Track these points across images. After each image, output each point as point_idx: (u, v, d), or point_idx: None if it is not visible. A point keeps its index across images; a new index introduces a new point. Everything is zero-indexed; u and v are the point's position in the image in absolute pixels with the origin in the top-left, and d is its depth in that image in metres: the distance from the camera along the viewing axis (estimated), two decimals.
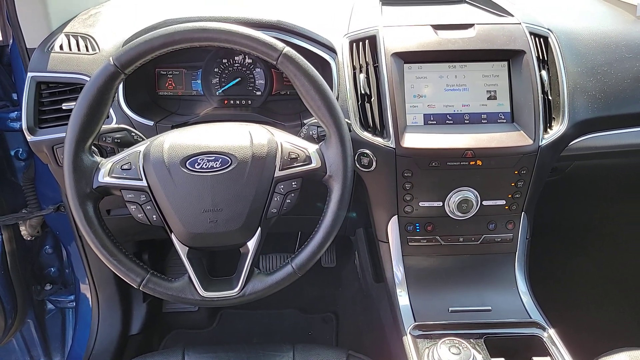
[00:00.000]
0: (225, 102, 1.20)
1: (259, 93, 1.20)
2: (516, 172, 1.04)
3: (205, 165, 0.81)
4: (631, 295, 1.78)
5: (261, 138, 0.85)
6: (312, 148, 0.87)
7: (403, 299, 1.07)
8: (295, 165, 0.84)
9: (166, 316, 1.85)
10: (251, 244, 0.85)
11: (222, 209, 0.81)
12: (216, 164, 0.82)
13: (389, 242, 1.11)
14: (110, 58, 0.79)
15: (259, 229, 0.85)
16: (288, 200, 0.85)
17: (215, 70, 1.19)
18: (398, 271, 1.11)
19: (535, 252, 1.17)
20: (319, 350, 1.09)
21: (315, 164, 0.85)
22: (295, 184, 0.84)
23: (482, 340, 0.96)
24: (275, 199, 0.84)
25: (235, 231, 0.83)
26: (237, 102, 1.20)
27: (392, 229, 1.10)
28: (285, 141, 0.87)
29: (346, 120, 0.93)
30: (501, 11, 1.19)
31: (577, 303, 1.75)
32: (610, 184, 1.35)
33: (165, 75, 1.20)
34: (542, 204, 1.19)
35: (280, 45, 0.81)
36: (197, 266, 0.85)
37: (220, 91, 1.20)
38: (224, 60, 1.19)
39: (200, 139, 0.85)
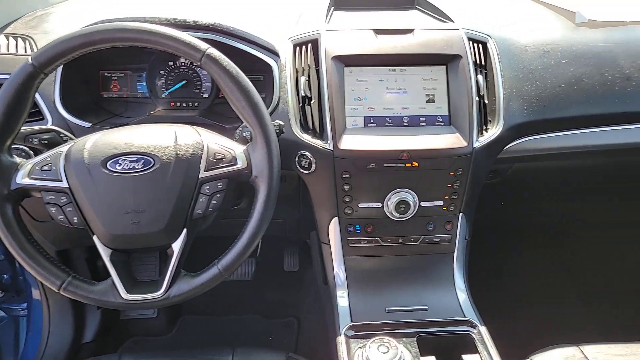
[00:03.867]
0: (172, 104, 1.21)
1: (205, 96, 1.21)
2: (452, 174, 1.06)
3: (127, 166, 0.81)
4: (569, 294, 1.82)
5: (186, 139, 0.86)
6: (238, 149, 0.88)
7: (343, 299, 1.08)
8: (221, 166, 0.85)
9: (124, 323, 1.83)
10: (176, 246, 0.85)
11: (145, 210, 0.81)
12: (138, 165, 0.82)
13: (330, 244, 1.12)
14: (29, 57, 0.79)
15: (185, 230, 0.85)
16: (214, 201, 0.85)
17: (161, 72, 1.19)
18: (339, 272, 1.12)
19: (477, 252, 1.20)
20: (258, 353, 1.09)
21: (241, 164, 0.86)
22: (220, 185, 0.85)
23: (415, 339, 0.97)
24: (201, 199, 0.84)
25: (159, 232, 0.83)
26: (184, 104, 1.21)
27: (333, 230, 1.11)
28: (212, 142, 0.87)
29: (279, 121, 0.95)
30: (445, 18, 1.22)
31: (516, 302, 1.78)
32: (549, 185, 1.38)
33: (110, 77, 1.20)
34: (484, 205, 1.22)
35: (203, 45, 0.82)
36: (122, 269, 0.85)
37: (166, 93, 1.20)
38: (170, 63, 1.19)
39: (123, 140, 0.85)
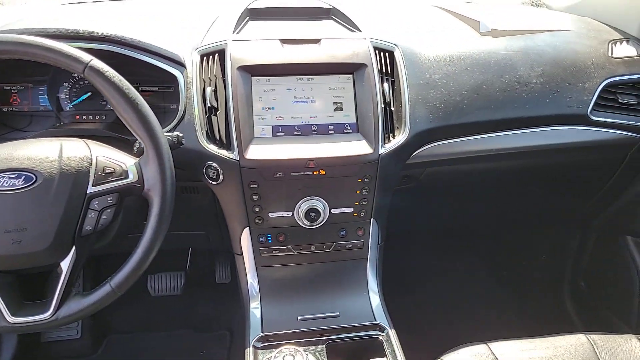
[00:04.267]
0: (77, 117, 1.17)
1: (111, 108, 1.18)
2: (360, 180, 1.08)
3: (7, 183, 0.78)
4: (479, 295, 1.90)
5: (72, 152, 0.83)
6: (129, 162, 0.86)
7: (255, 310, 1.08)
8: (111, 180, 0.83)
9: (46, 345, 1.75)
10: (65, 264, 0.82)
11: (27, 228, 0.78)
12: (19, 182, 0.78)
13: (242, 255, 1.11)
14: None
15: (74, 247, 0.82)
16: (104, 217, 0.83)
17: (65, 84, 1.15)
18: (253, 283, 1.11)
19: (391, 255, 1.22)
20: None
21: (132, 178, 0.84)
22: (111, 200, 0.83)
23: (324, 346, 0.98)
24: (90, 215, 0.82)
25: (44, 251, 0.80)
26: (90, 117, 1.17)
27: (245, 240, 1.11)
28: (102, 155, 0.85)
29: (177, 133, 0.94)
30: (355, 28, 1.24)
31: (429, 304, 1.84)
32: (460, 188, 1.43)
33: (9, 91, 1.15)
34: (398, 209, 1.24)
35: (86, 57, 0.79)
36: (6, 290, 0.81)
37: (70, 106, 1.16)
38: (74, 74, 1.16)
39: (3, 156, 0.81)
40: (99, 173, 0.82)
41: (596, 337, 1.10)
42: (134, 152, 0.91)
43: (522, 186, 1.46)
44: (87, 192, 0.81)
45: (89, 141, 0.88)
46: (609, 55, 1.31)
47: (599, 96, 1.24)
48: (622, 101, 1.25)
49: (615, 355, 1.06)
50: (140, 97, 0.83)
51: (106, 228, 0.89)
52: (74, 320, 0.83)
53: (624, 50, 1.32)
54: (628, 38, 1.37)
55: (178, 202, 1.26)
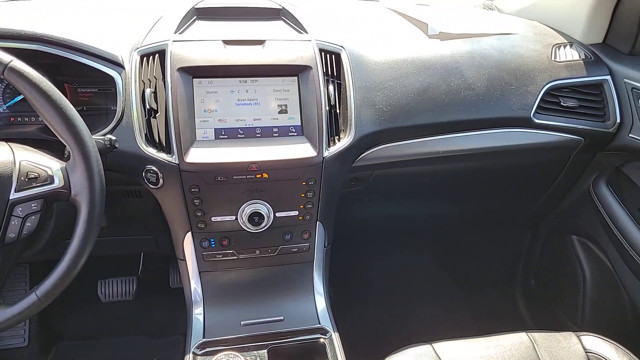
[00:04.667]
0: (12, 119, 1.12)
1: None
2: (304, 184, 1.07)
3: None
4: (427, 296, 1.93)
5: None
6: (55, 167, 0.83)
7: (198, 316, 1.06)
8: (35, 185, 0.80)
9: None
10: None
11: None
12: None
13: (185, 260, 1.09)
14: None
15: None
16: (28, 224, 0.80)
17: None
18: (196, 288, 1.09)
19: (340, 258, 1.22)
20: None
21: (57, 183, 0.81)
22: (35, 206, 0.80)
23: (266, 351, 0.97)
24: (13, 222, 0.79)
25: None
26: (25, 119, 1.13)
27: (188, 245, 1.09)
28: (26, 160, 0.82)
29: (110, 136, 0.91)
30: (302, 29, 1.23)
31: (376, 305, 1.85)
32: (409, 189, 1.44)
33: None
34: (346, 211, 1.24)
35: (5, 58, 0.76)
36: None
37: (4, 107, 1.12)
38: None
39: None
40: (22, 178, 0.79)
41: (537, 335, 1.12)
42: (64, 157, 0.88)
43: (470, 187, 1.48)
44: (10, 198, 0.78)
45: (14, 145, 0.84)
46: (553, 59, 1.34)
47: (541, 99, 1.26)
48: (564, 104, 1.28)
49: (554, 353, 1.08)
50: (65, 100, 0.80)
51: (35, 235, 0.86)
52: None
53: (567, 54, 1.36)
54: (572, 42, 1.41)
55: (122, 206, 1.24)
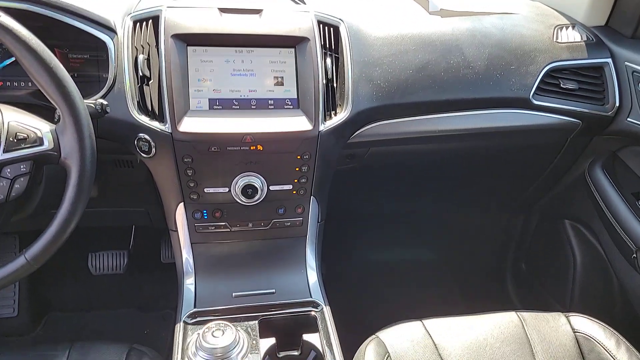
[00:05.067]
0: (1, 83, 1.10)
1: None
2: (299, 157, 1.06)
3: None
4: (417, 275, 1.93)
5: None
6: (45, 129, 0.81)
7: (190, 286, 1.05)
8: (24, 147, 0.78)
9: None
10: None
11: None
12: None
13: (177, 231, 1.08)
14: None
15: None
16: (17, 185, 0.78)
17: None
18: (188, 258, 1.08)
19: (331, 235, 1.21)
20: (99, 346, 1.03)
21: (47, 145, 0.79)
22: (24, 168, 0.78)
23: (257, 322, 0.96)
24: (1, 184, 0.77)
25: None
26: (15, 84, 1.10)
27: (180, 216, 1.07)
28: (14, 120, 0.80)
29: (102, 100, 0.90)
30: (301, 0, 1.21)
31: (367, 284, 1.86)
32: (404, 169, 1.43)
33: None
34: (341, 188, 1.23)
35: None
36: None
37: None
38: None
39: None
40: (11, 139, 0.77)
41: (526, 315, 1.12)
42: (55, 121, 0.86)
43: (465, 168, 1.47)
44: None
45: (2, 105, 0.82)
46: (554, 40, 1.32)
47: (541, 80, 1.25)
48: (564, 86, 1.26)
49: (543, 332, 1.09)
50: (56, 59, 0.77)
51: (25, 198, 0.85)
52: None
53: (569, 35, 1.34)
54: (574, 24, 1.39)
55: (113, 177, 1.22)
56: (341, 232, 1.41)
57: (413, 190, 1.59)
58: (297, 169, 1.07)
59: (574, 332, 1.09)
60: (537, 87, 1.24)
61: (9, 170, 0.77)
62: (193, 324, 0.97)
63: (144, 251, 1.86)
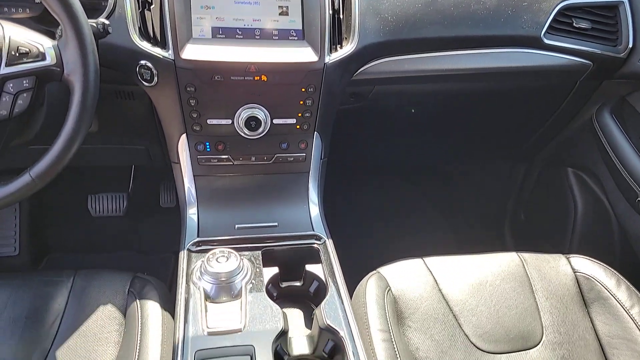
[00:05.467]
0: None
1: (37, 0, 1.07)
2: (303, 90, 1.04)
3: None
4: (421, 217, 1.94)
5: None
6: (47, 43, 0.78)
7: (192, 216, 1.05)
8: (26, 61, 0.76)
9: None
10: None
11: None
12: None
13: (180, 163, 1.07)
14: None
15: None
16: (20, 101, 0.77)
17: None
18: (190, 189, 1.08)
19: (333, 174, 1.20)
20: (103, 274, 1.04)
21: (49, 60, 0.77)
22: (27, 83, 0.76)
23: (260, 252, 0.97)
24: (4, 99, 0.75)
25: None
26: (12, 9, 1.06)
27: (183, 148, 1.06)
28: (16, 34, 0.77)
29: (103, 20, 0.87)
30: None
31: (369, 223, 1.87)
32: (408, 112, 1.41)
33: None
34: (344, 128, 1.21)
35: None
36: None
37: None
38: None
39: None
40: (13, 53, 0.75)
41: (527, 255, 1.13)
42: (57, 36, 0.84)
43: (471, 111, 1.45)
44: (0, 72, 0.74)
45: (3, 20, 0.80)
46: None
47: (554, 19, 1.21)
48: (577, 25, 1.23)
49: (543, 271, 1.10)
50: None
51: (28, 117, 0.83)
52: None
53: None
54: None
55: (114, 110, 1.20)
56: (341, 180, 1.40)
57: (415, 139, 1.57)
58: (301, 102, 1.05)
59: (574, 272, 1.10)
60: (549, 26, 1.20)
61: (11, 85, 0.75)
62: (197, 252, 0.97)
63: (144, 195, 1.86)
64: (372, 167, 1.85)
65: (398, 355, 0.89)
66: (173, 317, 0.92)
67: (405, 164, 1.88)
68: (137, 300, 0.95)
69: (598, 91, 1.37)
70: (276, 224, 1.05)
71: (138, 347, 0.86)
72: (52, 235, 1.78)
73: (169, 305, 0.96)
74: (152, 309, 0.93)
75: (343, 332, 0.82)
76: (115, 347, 0.91)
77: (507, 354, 0.96)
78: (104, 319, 0.94)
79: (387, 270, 1.05)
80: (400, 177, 1.95)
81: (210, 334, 0.79)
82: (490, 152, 1.77)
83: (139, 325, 0.90)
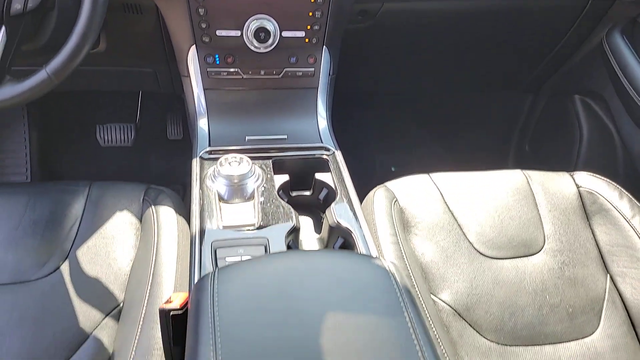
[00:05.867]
0: None
1: None
2: (313, 1, 1.03)
3: None
4: (427, 137, 1.95)
5: None
6: None
7: (203, 126, 1.07)
8: None
9: None
10: None
11: None
12: None
13: (190, 76, 1.08)
14: None
15: (3, 27, 0.77)
16: None
17: None
18: (200, 100, 1.09)
19: (342, 92, 1.20)
20: (118, 185, 1.06)
21: None
22: None
23: (270, 161, 0.99)
24: None
25: None
26: None
27: (192, 60, 1.06)
28: None
29: None
30: None
31: (376, 141, 1.88)
32: (415, 35, 1.39)
33: None
34: (352, 49, 1.21)
35: None
36: None
37: None
38: None
39: None
40: None
41: (531, 172, 1.15)
42: None
43: (480, 34, 1.43)
44: None
45: None
46: None
47: None
48: None
49: (547, 187, 1.12)
50: None
51: (41, 18, 0.83)
52: (8, 106, 0.79)
53: None
54: None
55: (122, 27, 1.20)
56: (349, 103, 1.39)
57: (421, 65, 1.56)
58: (310, 14, 1.04)
59: (578, 187, 1.12)
60: None
61: None
62: (209, 159, 0.99)
63: (151, 126, 1.87)
64: (377, 91, 1.83)
65: (405, 258, 0.92)
66: (188, 222, 0.96)
67: (407, 94, 1.87)
68: (153, 206, 0.98)
69: (609, 13, 1.35)
70: (285, 136, 1.07)
71: (155, 247, 0.90)
72: (62, 165, 1.81)
73: (183, 211, 0.99)
74: (167, 214, 0.96)
75: (353, 229, 0.85)
76: (134, 249, 0.94)
77: (510, 259, 0.99)
78: (121, 224, 0.98)
79: (393, 184, 1.07)
80: (402, 108, 1.94)
81: (225, 227, 0.82)
82: (497, 82, 1.76)
83: (155, 228, 0.93)
